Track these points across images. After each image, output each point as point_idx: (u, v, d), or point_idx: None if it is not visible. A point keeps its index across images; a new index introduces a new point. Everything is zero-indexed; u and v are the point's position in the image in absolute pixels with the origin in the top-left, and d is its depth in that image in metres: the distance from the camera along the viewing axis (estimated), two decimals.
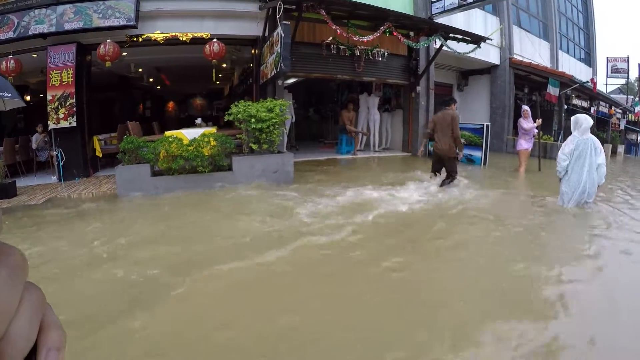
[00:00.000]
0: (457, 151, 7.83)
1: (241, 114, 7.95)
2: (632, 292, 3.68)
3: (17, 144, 10.63)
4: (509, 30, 16.01)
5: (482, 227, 5.55)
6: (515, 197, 8.03)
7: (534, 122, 9.79)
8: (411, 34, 11.67)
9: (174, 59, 12.38)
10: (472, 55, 13.98)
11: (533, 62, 16.28)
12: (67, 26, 9.54)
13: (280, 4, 8.27)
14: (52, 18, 9.54)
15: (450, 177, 7.81)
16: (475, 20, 14.56)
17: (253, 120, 7.88)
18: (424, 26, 11.02)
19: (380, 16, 9.85)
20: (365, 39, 9.56)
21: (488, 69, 16.13)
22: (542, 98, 16.36)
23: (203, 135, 8.06)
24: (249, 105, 8.13)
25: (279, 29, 8.25)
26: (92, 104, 14.33)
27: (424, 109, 12.95)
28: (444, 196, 7.20)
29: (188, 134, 8.39)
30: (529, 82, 17.29)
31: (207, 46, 9.69)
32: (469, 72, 16.90)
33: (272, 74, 8.98)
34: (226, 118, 8.20)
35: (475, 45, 11.44)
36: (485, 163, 11.04)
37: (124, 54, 11.41)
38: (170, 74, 15.69)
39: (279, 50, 8.26)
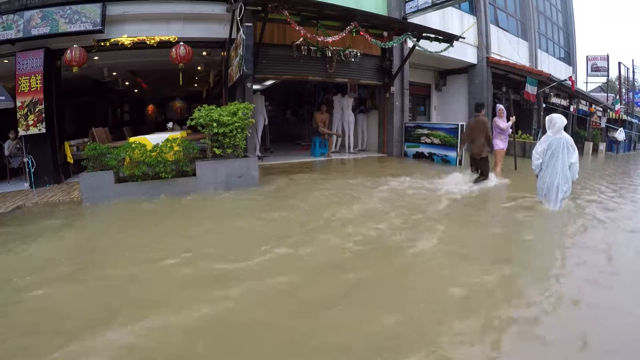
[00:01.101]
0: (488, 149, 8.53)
1: (203, 118, 7.75)
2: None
3: None
4: (487, 29, 15.88)
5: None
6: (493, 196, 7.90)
7: (508, 120, 9.67)
8: (385, 33, 11.53)
9: (146, 62, 12.21)
10: (448, 54, 13.85)
11: (511, 61, 16.15)
12: (35, 32, 9.39)
13: (240, 6, 8.11)
14: (20, 24, 9.38)
15: (483, 175, 8.51)
16: (452, 20, 14.39)
17: (215, 124, 7.70)
18: (394, 25, 10.83)
19: (348, 16, 9.64)
20: (330, 39, 9.34)
21: (466, 69, 15.97)
22: (520, 97, 16.30)
23: (167, 140, 7.88)
24: (211, 109, 7.91)
25: (241, 32, 8.08)
26: (67, 109, 14.31)
27: (398, 109, 12.76)
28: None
29: (153, 139, 8.14)
30: (508, 81, 17.18)
31: (174, 50, 9.49)
32: (447, 72, 16.75)
33: (237, 76, 8.81)
34: (188, 123, 8.04)
35: (448, 44, 11.27)
36: (460, 163, 10.89)
37: (96, 58, 11.30)
38: (147, 77, 15.46)
39: (242, 53, 8.10)
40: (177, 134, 8.60)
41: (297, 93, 18.56)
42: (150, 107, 22.32)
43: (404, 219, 5.83)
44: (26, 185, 9.51)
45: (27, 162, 9.26)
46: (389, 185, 8.17)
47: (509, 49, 17.26)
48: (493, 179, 8.75)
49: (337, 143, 13.68)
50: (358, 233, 5.18)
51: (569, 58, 25.30)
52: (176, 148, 7.82)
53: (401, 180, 8.67)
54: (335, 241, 4.93)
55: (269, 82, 15.93)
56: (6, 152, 10.69)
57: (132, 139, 8.27)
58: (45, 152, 9.87)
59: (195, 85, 17.67)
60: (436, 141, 11.42)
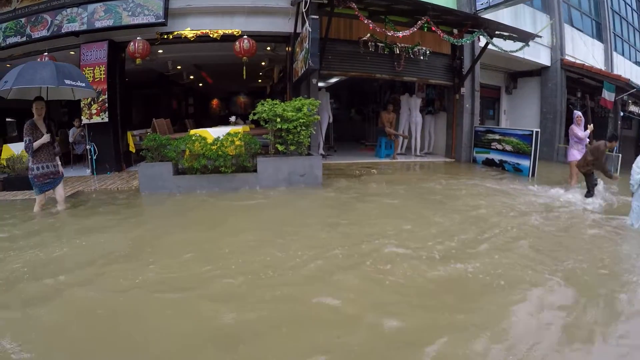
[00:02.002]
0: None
1: (266, 112, 7.34)
2: None
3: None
4: (560, 29, 14.76)
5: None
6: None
7: (586, 129, 8.75)
8: (455, 31, 10.81)
9: (210, 56, 12.14)
10: (520, 55, 12.93)
11: (586, 64, 14.98)
12: (98, 24, 9.56)
13: None
14: (84, 16, 9.60)
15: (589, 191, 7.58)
16: (524, 18, 13.38)
17: (279, 120, 7.26)
18: (467, 22, 10.01)
19: (418, 10, 8.97)
20: (400, 34, 8.69)
21: (538, 71, 14.87)
22: (596, 103, 15.10)
23: (228, 134, 7.58)
24: (275, 104, 7.49)
25: (307, 24, 7.66)
26: (133, 100, 14.65)
27: (468, 111, 11.90)
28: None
29: (214, 132, 7.94)
30: (582, 85, 15.93)
31: (237, 43, 9.23)
32: (518, 74, 15.65)
33: (302, 71, 8.40)
34: (250, 117, 7.66)
35: (523, 44, 10.37)
36: (533, 174, 9.94)
37: (160, 51, 11.36)
38: (211, 72, 15.44)
39: (307, 47, 7.68)
40: (239, 128, 8.28)
41: (362, 91, 17.89)
42: (215, 101, 22.54)
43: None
44: (88, 171, 9.74)
45: (90, 149, 9.54)
46: (477, 195, 7.30)
47: (584, 50, 16.03)
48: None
49: (403, 145, 13.00)
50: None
51: None
52: (237, 142, 7.51)
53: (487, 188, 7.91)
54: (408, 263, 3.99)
55: (334, 80, 15.51)
56: (70, 139, 11.11)
57: (192, 132, 8.09)
58: (107, 141, 10.07)
59: (259, 80, 17.56)
60: (508, 148, 10.52)
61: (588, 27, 17.25)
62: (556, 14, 14.65)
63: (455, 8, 11.21)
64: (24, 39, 10.00)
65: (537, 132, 9.96)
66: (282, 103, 7.58)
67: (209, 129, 8.24)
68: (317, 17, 7.91)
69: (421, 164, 11.37)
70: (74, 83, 5.81)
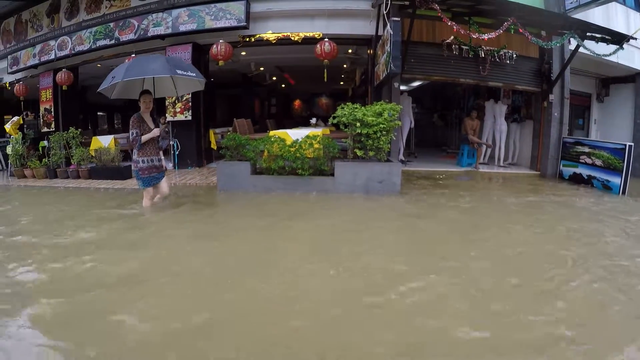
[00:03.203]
0: None
1: (346, 117, 7.15)
2: None
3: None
4: None
5: None
6: None
7: None
8: (543, 33, 10.13)
9: (292, 58, 12.28)
10: (613, 59, 11.96)
11: None
12: (182, 28, 10.00)
13: (387, 0, 7.45)
14: (169, 21, 10.10)
15: None
16: (616, 17, 12.21)
17: (358, 124, 7.04)
18: (556, 22, 9.24)
19: (504, 11, 8.36)
20: (485, 36, 8.15)
21: (633, 77, 13.61)
22: None
23: (307, 137, 7.52)
24: (355, 108, 7.28)
25: (388, 27, 7.43)
26: (219, 100, 15.17)
27: (557, 120, 10.95)
28: None
29: (293, 134, 7.87)
30: None
31: (318, 46, 9.15)
32: (610, 80, 14.45)
33: (384, 75, 8.16)
34: (330, 121, 7.53)
35: (618, 46, 9.46)
36: (624, 192, 9.10)
37: (243, 53, 11.68)
38: (294, 73, 15.65)
39: (389, 50, 7.44)
40: (319, 131, 8.16)
41: (445, 96, 17.23)
42: (297, 102, 22.84)
43: None
44: (170, 165, 10.06)
45: (173, 145, 10.03)
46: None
47: None
48: None
49: (486, 154, 12.32)
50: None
51: None
52: (316, 145, 7.41)
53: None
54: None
55: (416, 83, 15.12)
56: (130, 139, 11.35)
57: (272, 133, 8.11)
58: (190, 138, 10.60)
59: (341, 83, 17.54)
60: (598, 162, 9.63)
61: None
62: None
63: (542, 7, 10.53)
64: (113, 41, 10.68)
65: (630, 146, 9.12)
66: (363, 107, 7.36)
67: (288, 131, 8.19)
68: (399, 19, 7.65)
69: (504, 176, 10.64)
70: (185, 73, 5.91)
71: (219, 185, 7.66)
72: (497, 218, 6.09)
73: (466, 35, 8.58)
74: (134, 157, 6.05)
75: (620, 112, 14.14)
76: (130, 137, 5.90)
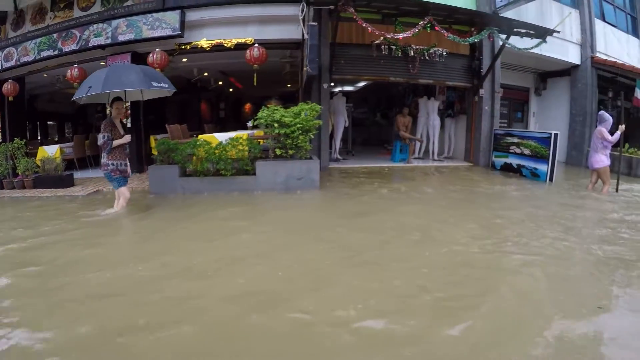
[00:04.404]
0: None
1: (264, 118, 7.34)
2: None
3: (87, 140, 11.77)
4: (591, 24, 13.70)
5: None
6: None
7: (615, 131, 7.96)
8: (474, 31, 10.36)
9: (233, 63, 12.23)
10: (548, 53, 12.25)
11: (619, 62, 14.00)
12: (121, 38, 10.07)
13: (302, 5, 7.66)
14: (108, 31, 10.17)
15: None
16: (550, 14, 12.43)
17: (276, 125, 7.24)
18: (477, 19, 9.51)
19: (423, 11, 8.59)
20: (400, 35, 8.39)
21: (568, 70, 13.92)
22: (630, 104, 14.11)
23: (231, 139, 7.65)
24: (275, 109, 7.48)
25: (304, 31, 7.61)
26: (165, 105, 15.06)
27: (488, 114, 11.27)
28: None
29: (220, 137, 8.04)
30: (616, 85, 14.87)
31: (248, 51, 9.25)
32: (548, 74, 14.76)
33: (305, 77, 8.36)
34: (251, 123, 7.70)
35: (540, 40, 9.70)
36: (551, 179, 9.34)
37: (184, 60, 11.65)
38: (241, 77, 15.61)
39: (307, 53, 7.63)
40: (245, 133, 8.32)
41: (389, 95, 17.49)
42: (247, 106, 22.74)
43: None
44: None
45: None
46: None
47: (618, 47, 14.88)
48: None
49: (421, 149, 12.53)
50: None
51: None
52: (240, 147, 7.55)
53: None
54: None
55: (361, 84, 15.35)
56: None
57: (201, 137, 8.22)
58: (130, 144, 10.20)
59: (289, 85, 17.60)
60: (526, 152, 9.91)
61: (622, 22, 15.95)
62: (585, 9, 13.70)
63: (474, 7, 10.75)
64: (56, 52, 10.69)
65: (556, 134, 9.34)
66: (282, 109, 7.55)
67: (216, 134, 8.36)
68: (316, 23, 7.83)
69: (433, 168, 10.88)
70: (159, 85, 6.06)
71: (151, 188, 7.75)
72: (395, 205, 6.45)
73: (383, 35, 8.68)
74: (104, 160, 6.10)
75: (557, 104, 14.49)
76: (101, 140, 5.95)
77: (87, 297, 3.18)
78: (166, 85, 6.21)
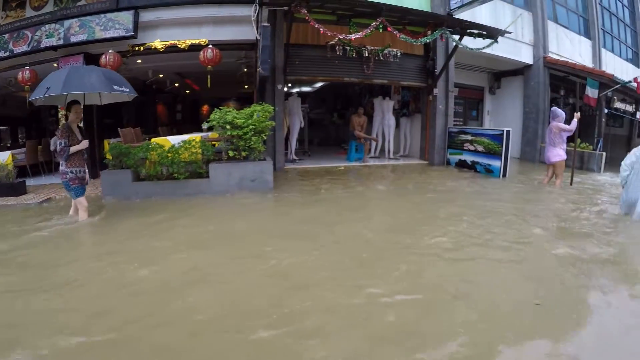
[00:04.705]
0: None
1: (216, 120, 7.26)
2: None
3: (40, 145, 11.23)
4: (544, 25, 14.19)
5: None
6: None
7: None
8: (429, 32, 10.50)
9: (190, 64, 11.96)
10: (501, 54, 12.58)
11: (570, 61, 14.48)
12: (73, 39, 9.68)
13: (255, 6, 7.61)
14: (61, 32, 9.76)
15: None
16: (504, 16, 12.79)
17: (229, 127, 7.16)
18: (430, 20, 9.60)
19: (379, 12, 8.60)
20: (352, 36, 8.43)
21: (521, 70, 14.38)
22: (581, 101, 14.60)
23: (184, 142, 7.51)
24: (228, 111, 7.40)
25: (256, 32, 7.56)
26: (121, 108, 14.64)
27: (442, 113, 11.49)
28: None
29: (173, 140, 7.87)
30: (568, 83, 15.39)
31: (202, 52, 9.12)
32: (502, 74, 15.16)
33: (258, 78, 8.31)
34: (203, 125, 7.59)
35: (492, 40, 9.90)
36: (505, 174, 9.60)
37: (139, 61, 11.36)
38: (199, 79, 15.34)
39: (259, 54, 7.58)
40: (197, 135, 8.19)
41: (345, 95, 17.62)
42: (205, 108, 22.40)
43: None
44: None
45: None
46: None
47: (570, 48, 15.45)
48: None
49: (377, 148, 12.64)
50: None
51: (637, 59, 22.28)
52: (193, 150, 7.42)
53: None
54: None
55: (318, 84, 15.36)
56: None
57: (154, 140, 8.05)
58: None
59: (246, 87, 17.44)
60: (480, 149, 10.16)
61: (574, 23, 16.61)
62: (539, 11, 14.15)
63: (429, 9, 10.90)
64: (7, 53, 10.25)
65: (508, 131, 9.60)
66: (234, 110, 7.48)
67: (169, 137, 8.18)
68: (269, 24, 7.83)
69: (388, 167, 11.05)
70: (120, 88, 5.81)
71: (104, 194, 7.52)
72: (346, 205, 6.55)
73: (334, 36, 8.66)
74: (62, 168, 5.82)
75: (511, 102, 14.90)
76: (58, 147, 5.64)
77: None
78: (127, 90, 6.01)
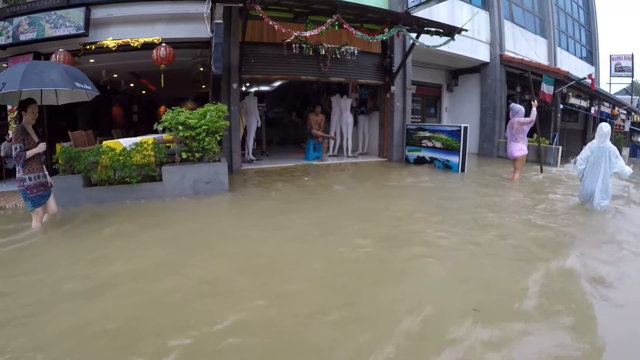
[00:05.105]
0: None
1: (168, 121, 7.02)
2: None
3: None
4: (500, 25, 14.50)
5: None
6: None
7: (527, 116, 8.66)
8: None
9: (145, 64, 11.65)
10: (459, 52, 12.77)
11: (526, 59, 14.80)
12: (23, 37, 9.20)
13: (208, 3, 7.45)
14: (9, 30, 9.25)
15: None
16: (461, 15, 12.95)
17: (181, 127, 6.93)
18: (387, 18, 9.60)
19: (332, 9, 8.48)
20: (307, 33, 8.28)
21: (479, 68, 14.66)
22: (537, 98, 14.93)
23: (136, 144, 7.22)
24: (180, 111, 7.17)
25: (208, 29, 7.37)
26: (76, 110, 14.03)
27: (400, 110, 11.58)
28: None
29: (125, 142, 7.55)
30: (524, 81, 15.73)
31: (154, 51, 8.84)
32: (459, 72, 15.42)
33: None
34: (155, 126, 7.32)
35: (448, 38, 9.98)
36: (463, 169, 9.72)
37: (92, 60, 10.91)
38: (155, 78, 14.88)
39: (212, 52, 7.39)
40: (150, 137, 7.89)
41: (304, 94, 17.45)
42: (162, 108, 21.69)
43: None
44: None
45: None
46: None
47: (526, 46, 15.83)
48: None
49: (335, 146, 12.60)
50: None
51: (591, 57, 23.21)
52: (145, 152, 7.14)
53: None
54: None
55: (277, 83, 15.20)
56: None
57: (105, 143, 7.71)
58: None
59: (203, 86, 17.09)
60: (438, 145, 10.25)
61: (531, 23, 17.03)
62: (495, 11, 14.41)
63: (387, 7, 10.89)
64: None
65: (465, 127, 9.72)
66: (187, 110, 7.27)
67: (121, 140, 7.84)
68: (221, 21, 7.63)
69: (347, 165, 11.02)
70: (82, 86, 5.39)
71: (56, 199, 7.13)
72: (301, 205, 6.54)
73: (288, 33, 8.49)
74: (19, 174, 5.32)
75: (469, 99, 15.12)
76: (13, 152, 5.19)
77: None
78: (89, 88, 5.63)
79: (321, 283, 3.52)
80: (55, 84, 5.13)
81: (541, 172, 9.58)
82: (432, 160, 10.45)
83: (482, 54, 14.25)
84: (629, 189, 7.83)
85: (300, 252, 4.33)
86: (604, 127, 6.31)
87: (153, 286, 3.48)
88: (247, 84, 14.00)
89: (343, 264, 3.95)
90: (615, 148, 6.31)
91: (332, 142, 12.37)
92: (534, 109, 8.50)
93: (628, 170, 6.21)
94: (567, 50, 19.84)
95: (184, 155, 7.18)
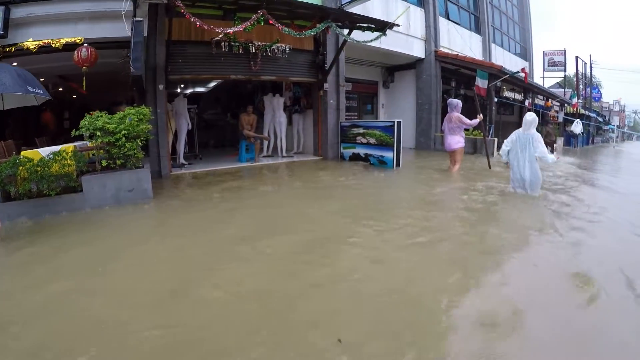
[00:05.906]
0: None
1: (86, 127, 6.68)
2: None
3: None
4: (435, 21, 14.79)
5: None
6: None
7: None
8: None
9: (72, 66, 11.03)
10: (393, 48, 12.95)
11: (460, 54, 15.14)
12: None
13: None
14: None
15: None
16: (396, 11, 13.01)
17: (99, 133, 6.63)
18: (317, 13, 9.49)
19: (258, 6, 8.29)
20: (231, 30, 8.01)
21: (414, 64, 14.92)
22: (473, 92, 15.34)
23: (55, 153, 6.78)
24: (99, 116, 6.87)
25: (127, 28, 7.07)
26: (6, 118, 13.07)
27: (333, 107, 11.62)
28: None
29: (44, 152, 7.10)
30: (460, 76, 16.16)
31: (76, 52, 8.43)
32: (395, 68, 15.67)
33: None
34: (73, 133, 6.93)
35: (380, 33, 10.02)
36: (398, 164, 9.85)
37: (15, 64, 10.21)
38: (82, 82, 14.10)
39: (130, 51, 7.10)
40: (70, 145, 7.46)
41: (239, 94, 17.06)
42: (92, 113, 20.54)
43: None
44: None
45: None
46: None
47: (461, 43, 16.23)
48: None
49: (269, 146, 12.41)
50: None
51: (525, 53, 24.28)
52: (64, 162, 6.72)
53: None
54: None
55: (212, 84, 14.85)
56: None
57: (23, 153, 7.23)
58: None
59: (134, 89, 16.37)
60: (372, 141, 10.34)
61: (465, 20, 17.51)
62: (430, 8, 14.66)
63: (320, 3, 10.77)
64: None
65: (399, 122, 9.83)
66: (106, 115, 6.95)
67: (40, 149, 7.32)
68: (141, 19, 7.44)
69: (280, 165, 10.96)
70: (34, 90, 5.18)
71: None
72: (219, 212, 6.41)
73: (211, 30, 8.18)
74: None
75: (405, 95, 15.38)
76: None
77: None
78: (41, 92, 5.44)
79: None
80: (7, 87, 4.86)
81: (489, 167, 9.91)
82: (367, 156, 10.55)
83: (417, 50, 14.49)
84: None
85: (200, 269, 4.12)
86: (528, 116, 6.71)
87: None
88: (182, 86, 13.66)
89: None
90: (539, 135, 6.69)
91: (265, 142, 12.20)
92: (477, 120, 9.06)
93: (550, 157, 6.62)
94: (502, 46, 20.56)
95: (104, 163, 6.90)
